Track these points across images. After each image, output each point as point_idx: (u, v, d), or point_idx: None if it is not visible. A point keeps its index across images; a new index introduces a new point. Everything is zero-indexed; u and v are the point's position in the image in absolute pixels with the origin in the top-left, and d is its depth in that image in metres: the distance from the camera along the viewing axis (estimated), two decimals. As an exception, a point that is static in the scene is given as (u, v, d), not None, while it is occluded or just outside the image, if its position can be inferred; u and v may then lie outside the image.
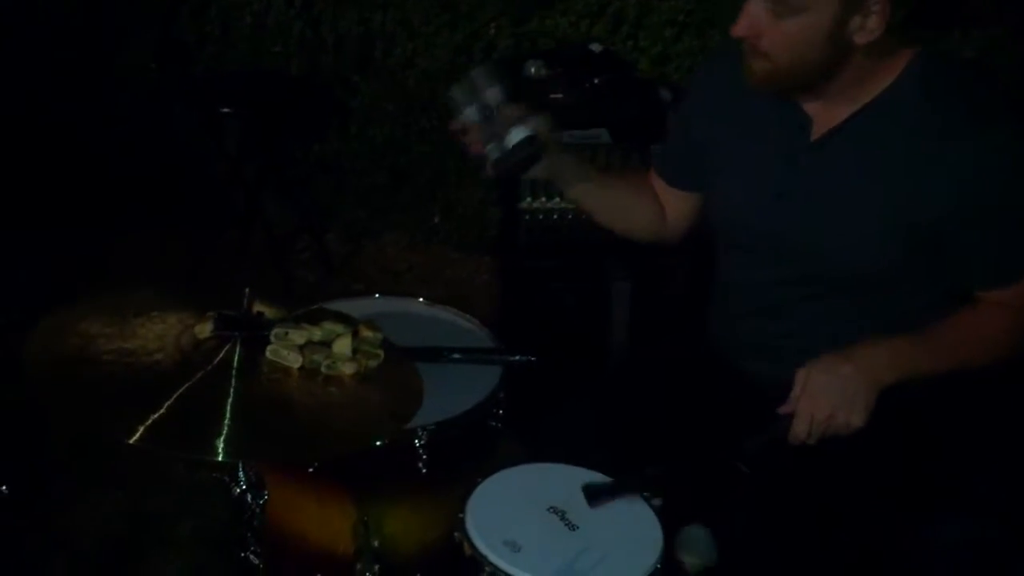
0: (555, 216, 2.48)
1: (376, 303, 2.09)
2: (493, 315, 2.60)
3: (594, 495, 1.49)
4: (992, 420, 2.52)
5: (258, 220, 3.47)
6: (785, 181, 1.59)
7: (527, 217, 2.49)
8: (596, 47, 2.55)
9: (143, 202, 3.46)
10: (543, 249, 2.49)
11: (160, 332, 1.43)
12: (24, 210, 3.17)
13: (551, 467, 1.62)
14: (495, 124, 1.58)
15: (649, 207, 1.85)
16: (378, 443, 1.66)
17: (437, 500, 1.62)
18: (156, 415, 1.26)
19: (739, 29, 1.49)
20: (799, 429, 1.46)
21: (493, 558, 1.41)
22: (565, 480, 1.58)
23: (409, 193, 3.60)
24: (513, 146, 1.56)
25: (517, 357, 1.93)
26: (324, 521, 1.82)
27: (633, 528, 1.50)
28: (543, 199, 2.48)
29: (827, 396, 1.44)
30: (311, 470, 1.76)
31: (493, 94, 1.59)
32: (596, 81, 2.40)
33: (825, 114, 1.56)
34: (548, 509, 1.51)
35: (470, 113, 1.61)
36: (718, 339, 1.81)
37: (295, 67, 3.51)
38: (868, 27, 1.43)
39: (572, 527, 1.49)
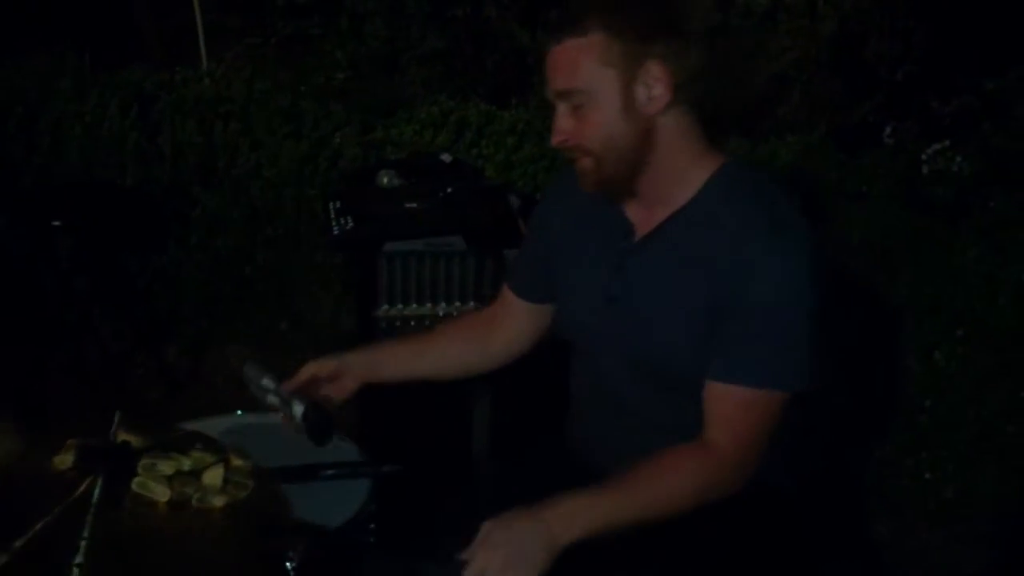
0: (412, 323, 2.48)
1: (232, 420, 2.02)
2: (351, 423, 2.55)
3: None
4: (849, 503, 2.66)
5: (91, 336, 3.31)
6: (613, 285, 1.67)
7: (384, 324, 2.48)
8: (447, 157, 2.60)
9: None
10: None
11: (9, 465, 1.34)
12: None
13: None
14: (283, 403, 1.68)
15: (469, 350, 1.90)
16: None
17: (310, 626, 1.54)
18: (5, 559, 1.16)
19: (556, 140, 1.60)
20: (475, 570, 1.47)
21: None
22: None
23: (254, 303, 3.52)
24: (301, 419, 1.65)
25: (387, 468, 1.90)
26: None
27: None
28: (400, 305, 2.48)
29: (503, 551, 1.45)
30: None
31: (268, 382, 1.70)
32: (449, 190, 2.44)
33: (645, 218, 1.65)
34: (429, 626, 1.48)
35: (261, 396, 1.72)
36: (576, 440, 1.84)
37: (130, 178, 3.41)
38: (654, 96, 1.54)
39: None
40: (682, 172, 1.60)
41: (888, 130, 3.54)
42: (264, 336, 3.54)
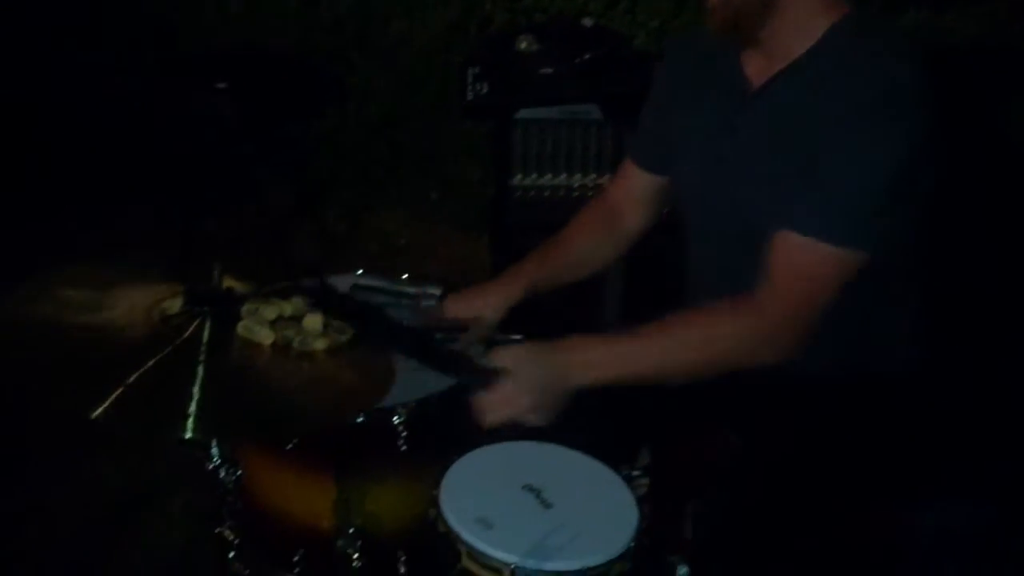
0: (546, 193, 2.46)
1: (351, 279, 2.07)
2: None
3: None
4: (985, 406, 2.52)
5: (255, 198, 3.46)
6: (724, 146, 1.60)
7: (519, 194, 2.47)
8: (588, 21, 2.51)
9: (138, 180, 3.45)
10: (535, 226, 2.45)
11: (131, 306, 1.41)
12: (21, 187, 3.17)
13: (528, 444, 1.61)
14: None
15: (604, 242, 1.88)
16: (358, 421, 1.68)
17: (418, 478, 1.60)
18: (121, 390, 1.24)
19: None
20: (496, 406, 1.49)
21: (465, 535, 1.40)
22: (542, 457, 1.57)
23: (407, 169, 3.58)
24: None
25: (501, 338, 1.91)
26: (304, 499, 1.81)
27: (609, 507, 1.49)
28: (535, 175, 2.46)
29: (526, 392, 1.47)
30: (290, 448, 1.75)
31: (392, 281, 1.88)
32: (587, 56, 2.36)
33: (761, 71, 1.57)
34: (523, 487, 1.50)
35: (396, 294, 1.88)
36: None
37: (291, 43, 3.49)
38: None
39: (547, 505, 1.47)
40: (805, 20, 1.52)
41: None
42: (416, 203, 3.61)
